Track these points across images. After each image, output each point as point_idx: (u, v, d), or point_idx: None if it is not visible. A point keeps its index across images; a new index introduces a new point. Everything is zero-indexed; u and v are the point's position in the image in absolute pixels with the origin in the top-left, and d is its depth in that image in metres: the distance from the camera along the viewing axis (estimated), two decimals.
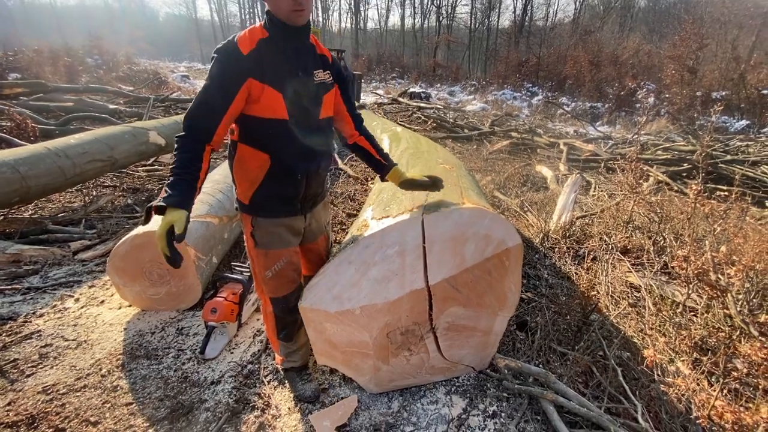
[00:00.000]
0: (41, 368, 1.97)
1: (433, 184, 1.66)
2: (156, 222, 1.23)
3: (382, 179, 1.77)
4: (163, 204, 1.17)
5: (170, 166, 1.25)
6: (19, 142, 4.89)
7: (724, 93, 11.61)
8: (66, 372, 1.95)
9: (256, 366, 2.04)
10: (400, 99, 13.34)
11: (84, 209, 3.79)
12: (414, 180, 1.69)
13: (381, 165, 1.75)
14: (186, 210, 1.21)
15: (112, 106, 8.26)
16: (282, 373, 1.94)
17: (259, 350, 2.16)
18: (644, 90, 13.05)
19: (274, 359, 2.03)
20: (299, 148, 1.46)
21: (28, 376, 1.92)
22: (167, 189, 1.21)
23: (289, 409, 1.79)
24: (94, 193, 4.23)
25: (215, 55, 1.32)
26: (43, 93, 8.28)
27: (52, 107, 7.60)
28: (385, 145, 3.92)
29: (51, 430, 1.63)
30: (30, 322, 2.31)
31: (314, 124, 1.50)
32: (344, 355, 1.72)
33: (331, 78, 1.54)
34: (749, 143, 7.12)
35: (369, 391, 1.87)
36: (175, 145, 1.28)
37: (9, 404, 1.74)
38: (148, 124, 4.93)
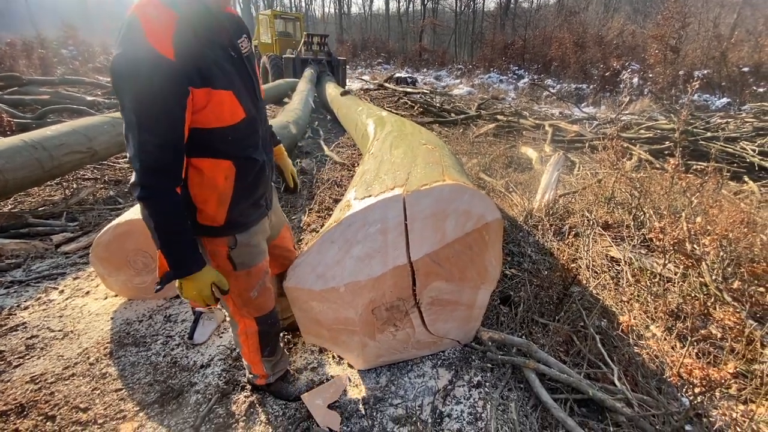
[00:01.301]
0: (28, 359, 1.96)
1: (293, 186, 1.84)
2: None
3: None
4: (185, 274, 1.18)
5: (155, 228, 1.09)
6: None
7: (706, 71, 11.76)
8: (53, 362, 1.95)
9: None
10: (386, 84, 13.20)
11: (65, 202, 3.72)
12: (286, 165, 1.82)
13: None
14: (205, 265, 1.22)
15: (89, 98, 8.03)
16: (267, 390, 1.76)
17: None
18: (628, 70, 13.13)
19: (248, 382, 1.80)
20: (258, 141, 1.30)
21: (16, 367, 1.91)
22: (174, 259, 1.15)
23: None
24: (75, 185, 4.15)
25: (128, 70, 0.98)
26: (18, 86, 8.01)
27: (27, 100, 7.36)
28: (370, 129, 3.90)
29: (41, 417, 1.64)
30: (15, 314, 2.29)
31: (259, 105, 1.31)
32: (331, 333, 1.75)
33: (250, 44, 1.30)
34: (729, 120, 7.25)
35: (357, 368, 1.91)
36: (144, 206, 1.07)
37: None
38: None
